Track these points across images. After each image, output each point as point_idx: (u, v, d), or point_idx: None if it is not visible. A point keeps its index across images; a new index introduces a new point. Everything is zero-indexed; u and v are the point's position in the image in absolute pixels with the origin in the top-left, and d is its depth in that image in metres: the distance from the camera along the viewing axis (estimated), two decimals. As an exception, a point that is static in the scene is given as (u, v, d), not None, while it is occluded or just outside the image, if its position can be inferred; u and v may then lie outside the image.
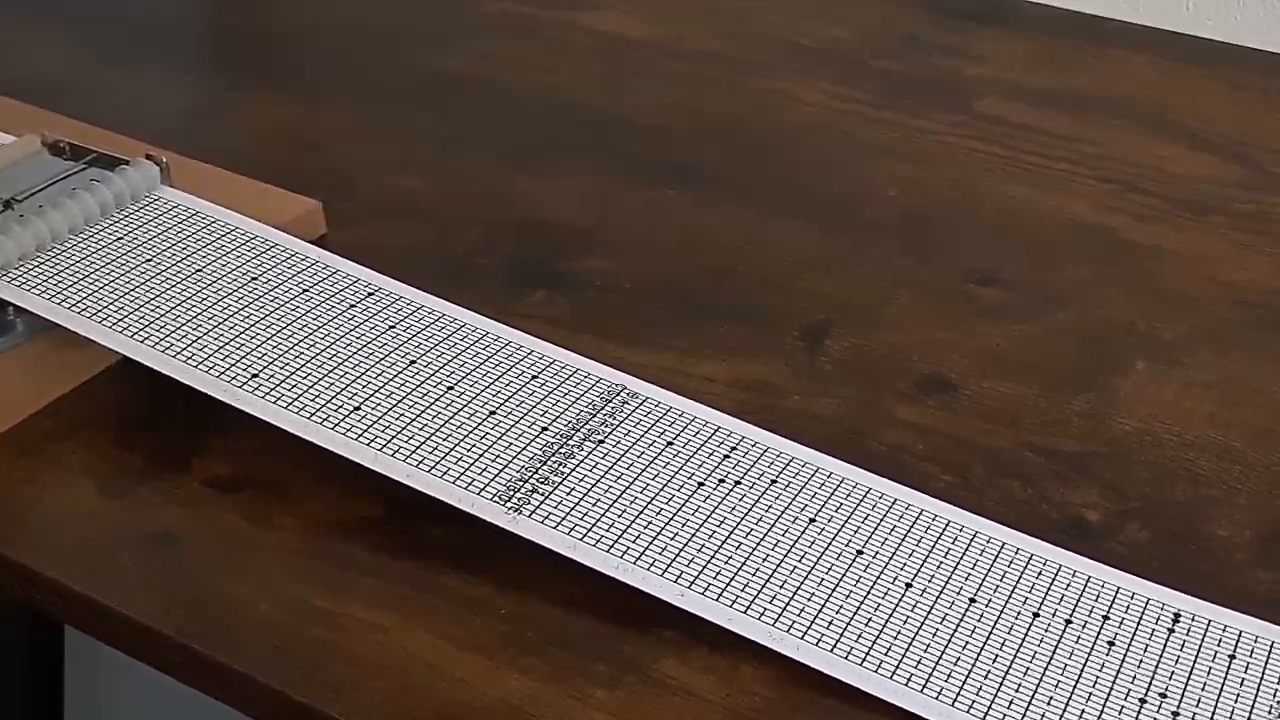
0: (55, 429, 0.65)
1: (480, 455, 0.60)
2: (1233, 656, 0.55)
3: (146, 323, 0.65)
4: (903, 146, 0.88)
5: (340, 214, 0.78)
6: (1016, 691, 0.53)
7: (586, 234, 0.79)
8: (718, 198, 0.83)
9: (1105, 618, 0.56)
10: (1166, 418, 0.67)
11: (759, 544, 0.58)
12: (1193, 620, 0.56)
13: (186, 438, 0.64)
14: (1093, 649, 0.55)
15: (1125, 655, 0.55)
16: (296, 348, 0.65)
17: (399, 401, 0.62)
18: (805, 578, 0.56)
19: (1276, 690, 0.54)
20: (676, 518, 0.59)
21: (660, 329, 0.72)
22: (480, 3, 1.05)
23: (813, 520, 0.59)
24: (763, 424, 0.64)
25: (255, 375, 0.63)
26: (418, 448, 0.60)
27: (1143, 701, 0.53)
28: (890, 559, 0.58)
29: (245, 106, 0.93)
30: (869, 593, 0.56)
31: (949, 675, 0.53)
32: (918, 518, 0.60)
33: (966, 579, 0.57)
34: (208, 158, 0.79)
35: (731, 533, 0.58)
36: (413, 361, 0.64)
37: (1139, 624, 0.56)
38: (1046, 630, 0.55)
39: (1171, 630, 0.56)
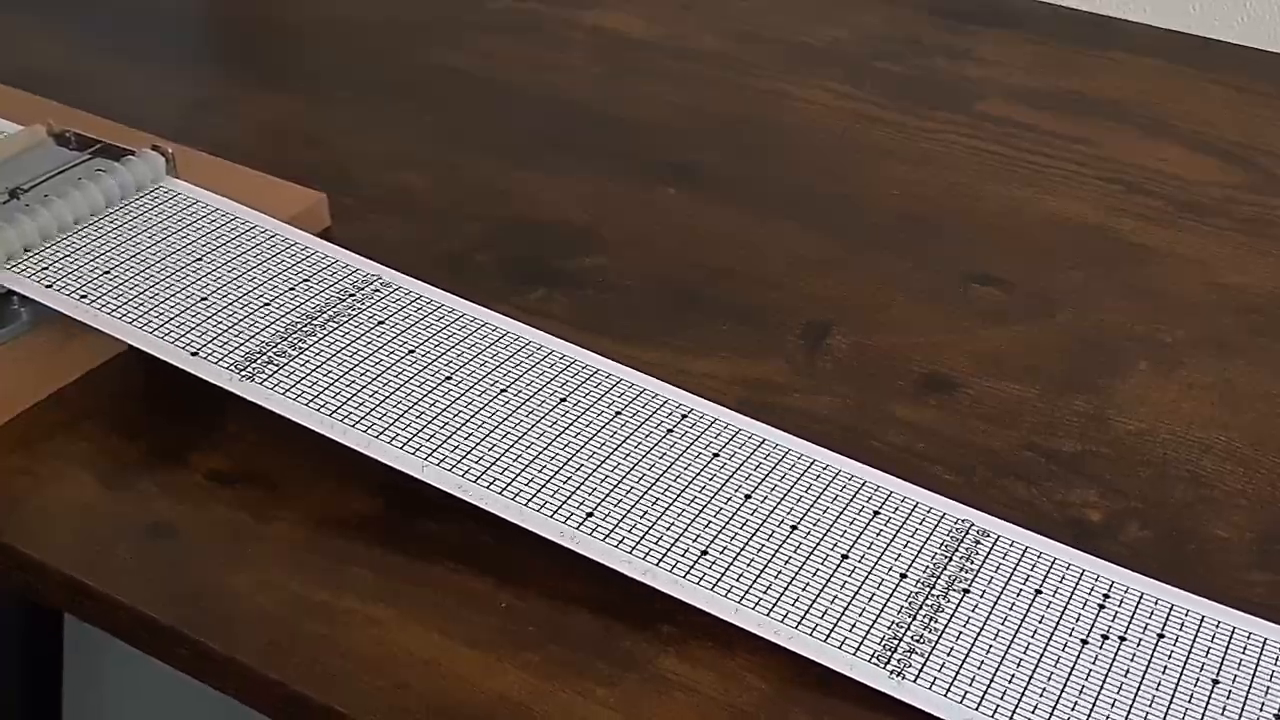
0: (56, 420, 0.65)
1: (225, 329, 0.63)
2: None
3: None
4: (904, 147, 0.88)
5: (341, 208, 0.78)
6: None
7: (587, 232, 0.79)
8: (719, 197, 0.83)
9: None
10: (1167, 419, 0.67)
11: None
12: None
13: (186, 431, 0.64)
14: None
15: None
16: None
17: (398, 389, 0.62)
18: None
19: (936, 555, 0.56)
20: (399, 389, 0.61)
21: (660, 327, 0.72)
22: (484, 0, 1.05)
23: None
24: (763, 423, 0.64)
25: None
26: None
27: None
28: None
29: (247, 100, 0.93)
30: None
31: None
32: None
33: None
34: (210, 151, 0.79)
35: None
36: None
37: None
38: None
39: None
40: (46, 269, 0.67)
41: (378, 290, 0.67)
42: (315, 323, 0.65)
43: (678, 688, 0.54)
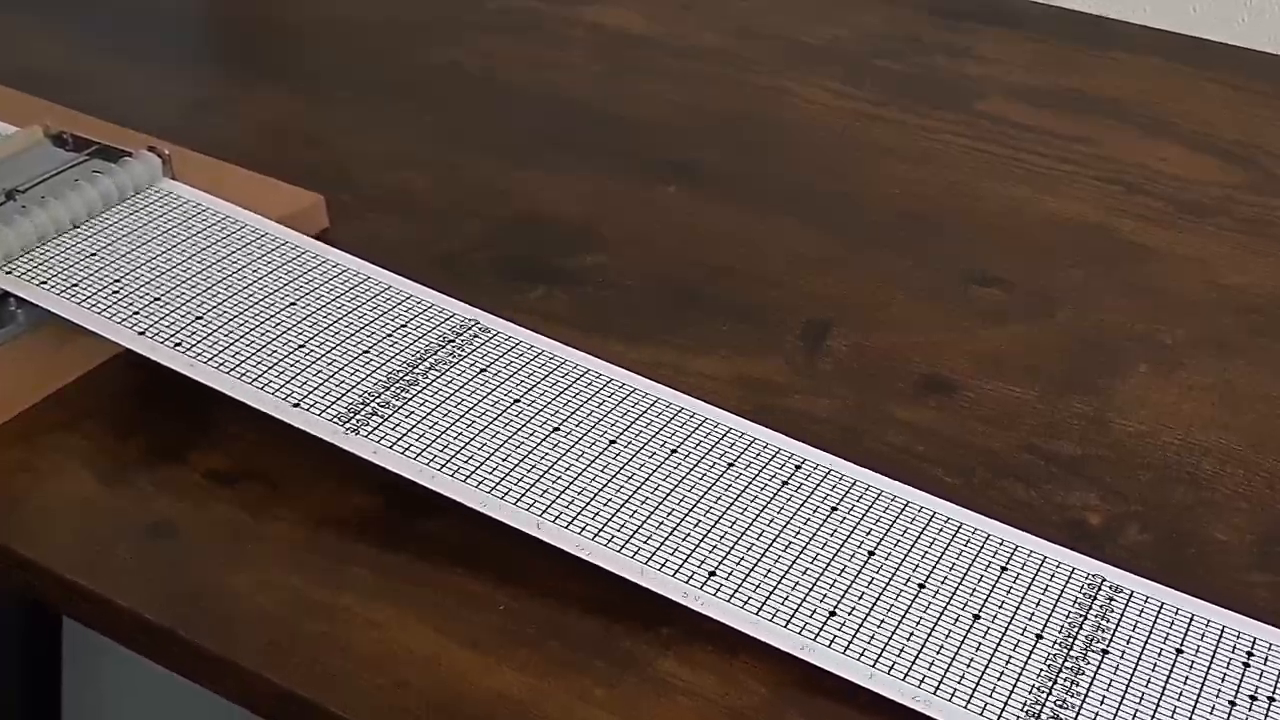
0: (55, 420, 0.65)
1: (327, 379, 0.62)
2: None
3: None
4: (904, 146, 0.88)
5: (340, 208, 0.78)
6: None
7: (586, 230, 0.79)
8: (718, 196, 0.83)
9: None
10: (1167, 420, 0.67)
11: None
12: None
13: (185, 430, 0.64)
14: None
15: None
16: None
17: (506, 441, 0.60)
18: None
19: (1070, 613, 0.55)
20: (507, 441, 0.60)
21: (660, 326, 0.72)
22: (482, -1, 1.05)
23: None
24: (762, 423, 0.64)
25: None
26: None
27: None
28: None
29: (247, 100, 0.93)
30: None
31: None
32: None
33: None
34: (208, 151, 0.79)
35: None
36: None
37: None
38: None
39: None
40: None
41: (476, 336, 0.66)
42: (417, 371, 0.63)
43: (677, 690, 0.54)
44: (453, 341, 0.65)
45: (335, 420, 0.60)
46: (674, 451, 0.61)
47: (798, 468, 0.61)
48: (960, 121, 0.91)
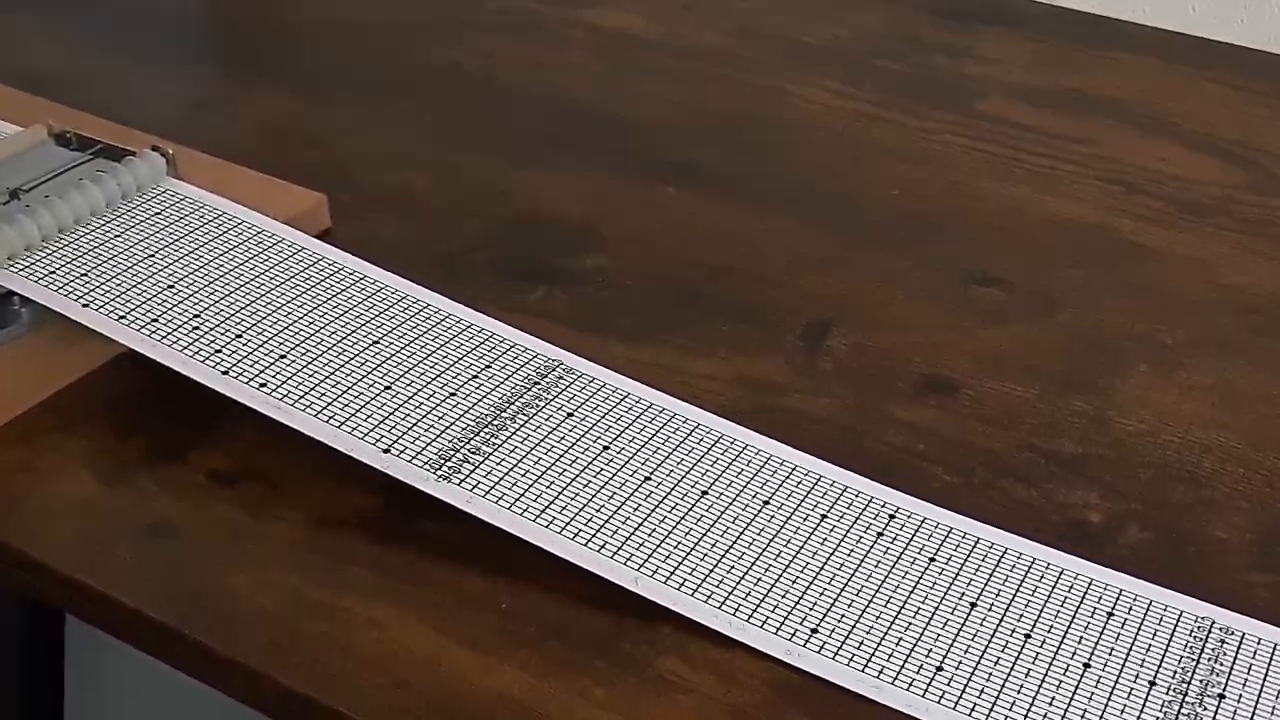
0: (56, 420, 0.65)
1: (415, 423, 0.60)
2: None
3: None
4: (904, 146, 0.88)
5: (340, 208, 0.78)
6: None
7: (587, 231, 0.79)
8: (719, 196, 0.83)
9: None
10: (1167, 420, 0.67)
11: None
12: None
13: (186, 430, 0.64)
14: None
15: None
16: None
17: (599, 491, 0.59)
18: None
19: (1182, 658, 0.54)
20: (600, 490, 0.59)
21: (660, 326, 0.72)
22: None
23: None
24: (762, 423, 0.64)
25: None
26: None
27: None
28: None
29: (247, 100, 0.93)
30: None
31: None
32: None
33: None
34: (209, 150, 0.79)
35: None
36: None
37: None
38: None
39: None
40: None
41: (561, 378, 0.65)
42: (505, 415, 0.62)
43: (678, 688, 0.54)
44: (538, 384, 0.64)
45: (427, 467, 0.59)
46: (766, 503, 0.60)
47: (891, 517, 0.60)
48: (960, 121, 0.91)
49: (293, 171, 0.78)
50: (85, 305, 0.65)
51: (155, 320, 0.65)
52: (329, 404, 0.62)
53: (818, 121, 0.91)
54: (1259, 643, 0.56)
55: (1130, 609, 0.57)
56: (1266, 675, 0.54)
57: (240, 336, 0.64)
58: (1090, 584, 0.58)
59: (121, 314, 0.65)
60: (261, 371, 0.63)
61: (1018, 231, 0.81)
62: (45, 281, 0.66)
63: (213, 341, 0.64)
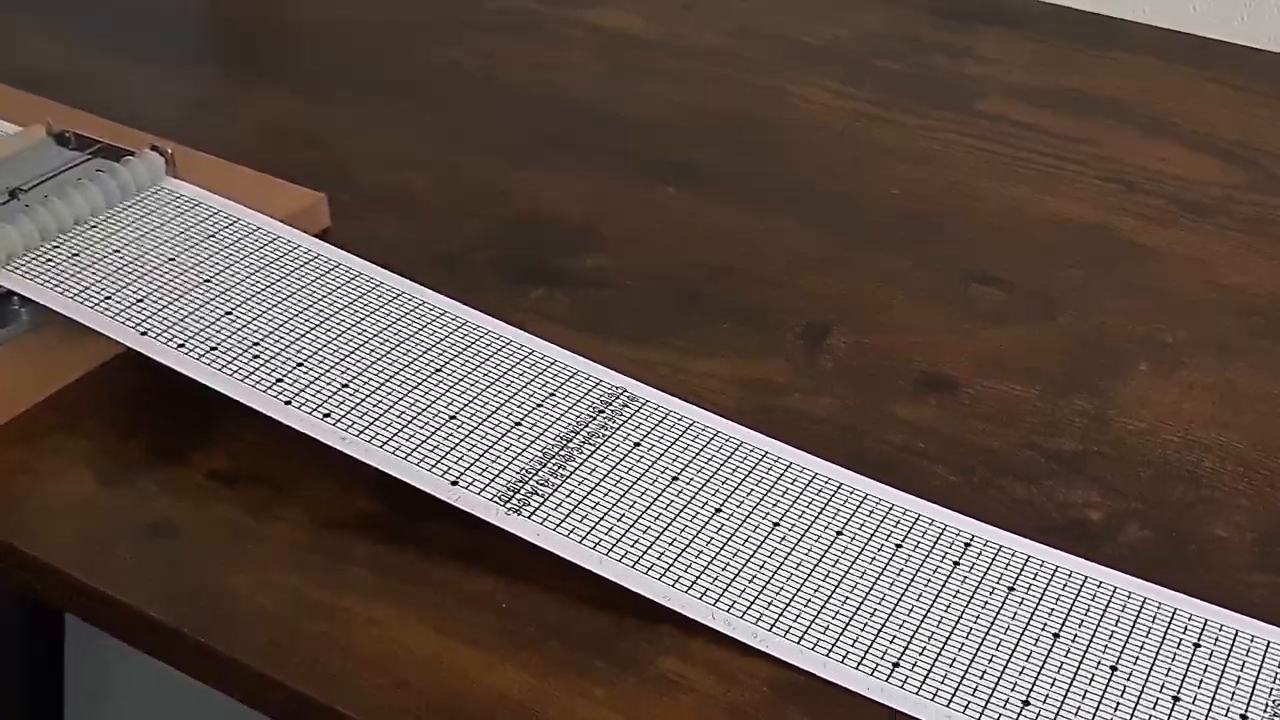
0: (56, 420, 0.65)
1: (481, 454, 0.60)
2: (1132, 625, 0.55)
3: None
4: (904, 146, 0.88)
5: (340, 207, 0.78)
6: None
7: (586, 231, 0.79)
8: (719, 196, 0.83)
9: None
10: (1168, 419, 0.67)
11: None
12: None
13: (187, 430, 0.64)
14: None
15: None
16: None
17: (671, 523, 0.59)
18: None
19: (1273, 690, 0.54)
20: (671, 523, 0.58)
21: (660, 327, 0.72)
22: (483, -1, 1.05)
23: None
24: (762, 423, 0.64)
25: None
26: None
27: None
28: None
29: (247, 100, 0.93)
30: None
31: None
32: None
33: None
34: (208, 150, 0.79)
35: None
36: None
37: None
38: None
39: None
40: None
41: (626, 405, 0.64)
42: (571, 445, 0.61)
43: (678, 688, 0.54)
44: (603, 412, 0.63)
45: (496, 500, 0.58)
46: (839, 534, 0.59)
47: (967, 545, 0.59)
48: (960, 121, 0.91)
49: (292, 171, 0.78)
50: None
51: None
52: (394, 434, 0.61)
53: (818, 121, 0.91)
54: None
55: (1216, 640, 0.55)
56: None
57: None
58: (1175, 613, 0.56)
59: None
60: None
61: (1018, 231, 0.81)
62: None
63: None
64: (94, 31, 0.99)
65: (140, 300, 0.66)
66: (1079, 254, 0.79)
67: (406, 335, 0.66)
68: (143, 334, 0.64)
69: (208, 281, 0.67)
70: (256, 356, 0.63)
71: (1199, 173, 0.86)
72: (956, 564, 0.58)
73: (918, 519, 0.60)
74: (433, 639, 0.55)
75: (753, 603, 0.56)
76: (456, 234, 0.79)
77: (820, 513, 0.60)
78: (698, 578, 0.56)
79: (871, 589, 0.57)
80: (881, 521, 0.60)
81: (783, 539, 0.58)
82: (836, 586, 0.57)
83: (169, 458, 0.63)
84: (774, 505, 0.60)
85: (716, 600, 0.56)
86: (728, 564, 0.57)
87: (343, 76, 0.95)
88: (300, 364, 0.63)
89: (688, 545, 0.58)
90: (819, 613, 0.56)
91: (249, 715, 0.56)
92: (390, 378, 0.63)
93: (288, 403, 0.61)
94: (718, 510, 0.59)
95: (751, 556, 0.58)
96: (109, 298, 0.66)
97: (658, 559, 0.57)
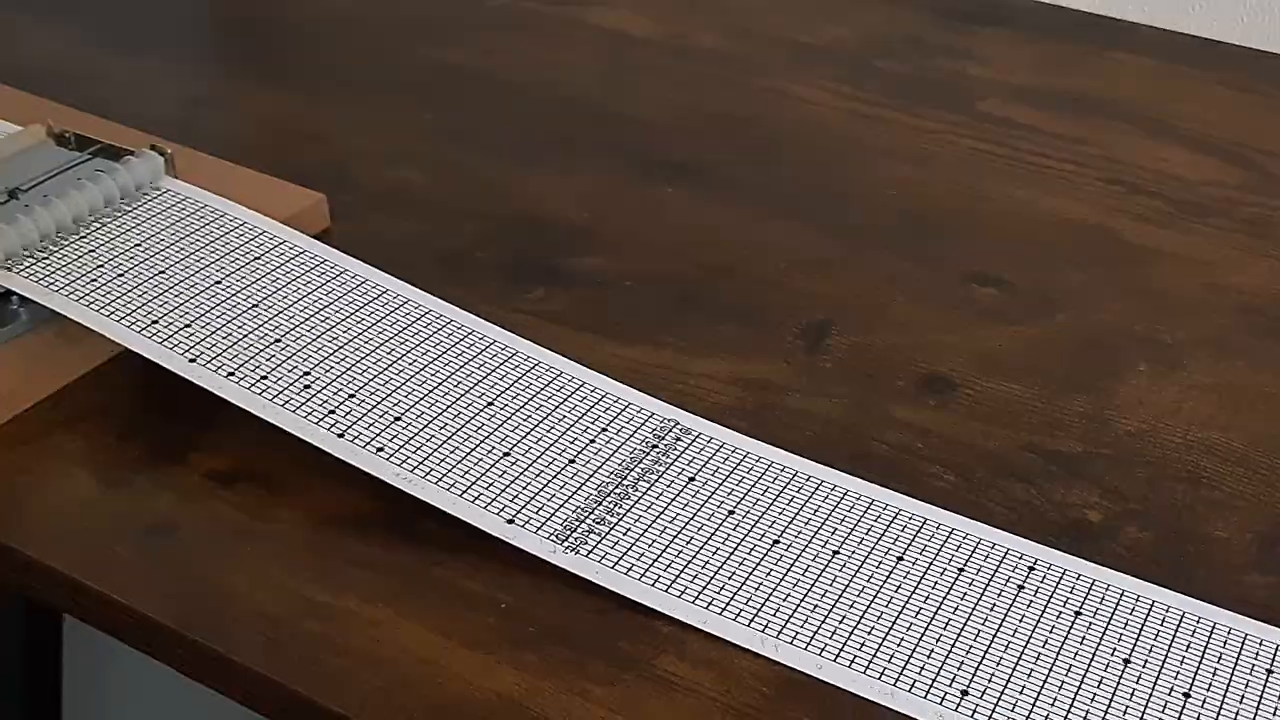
0: (56, 419, 0.65)
1: (537, 492, 0.60)
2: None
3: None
4: (904, 146, 0.88)
5: (340, 207, 0.78)
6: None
7: (586, 231, 0.79)
8: (718, 196, 0.83)
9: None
10: (1167, 420, 0.67)
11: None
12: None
13: (186, 430, 0.64)
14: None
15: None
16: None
17: (729, 557, 0.58)
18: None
19: (1273, 690, 0.54)
20: (730, 556, 0.58)
21: (659, 327, 0.72)
22: (483, -2, 1.05)
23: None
24: (762, 423, 0.64)
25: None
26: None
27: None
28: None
29: (247, 98, 0.93)
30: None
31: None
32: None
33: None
34: (208, 150, 0.79)
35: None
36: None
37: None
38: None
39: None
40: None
41: (680, 439, 0.63)
42: (626, 482, 0.61)
43: (677, 688, 0.54)
44: (656, 447, 0.63)
45: (552, 539, 0.58)
46: (900, 559, 0.58)
47: (1030, 569, 0.58)
48: (961, 122, 0.91)
49: (292, 171, 0.78)
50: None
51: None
52: (449, 470, 0.60)
53: (818, 122, 0.91)
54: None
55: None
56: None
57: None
58: (1245, 639, 0.56)
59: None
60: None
61: (1018, 232, 0.81)
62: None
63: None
64: (93, 30, 0.99)
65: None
66: (1079, 254, 0.79)
67: (457, 366, 0.65)
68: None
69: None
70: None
71: (1199, 173, 0.86)
72: (1020, 588, 0.58)
73: (979, 543, 0.59)
74: (432, 639, 0.55)
75: (815, 633, 0.55)
76: (456, 234, 0.79)
77: (879, 540, 0.59)
78: (757, 611, 0.56)
79: (935, 615, 0.56)
80: (942, 546, 0.59)
81: (843, 567, 0.58)
82: (899, 615, 0.56)
83: (169, 458, 0.63)
84: (832, 534, 0.59)
85: (778, 632, 0.55)
86: (787, 595, 0.57)
87: (343, 75, 0.95)
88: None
89: (747, 579, 0.57)
90: (882, 642, 0.55)
91: (248, 716, 0.56)
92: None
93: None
94: (775, 542, 0.59)
95: (812, 587, 0.57)
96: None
97: (718, 593, 0.57)
